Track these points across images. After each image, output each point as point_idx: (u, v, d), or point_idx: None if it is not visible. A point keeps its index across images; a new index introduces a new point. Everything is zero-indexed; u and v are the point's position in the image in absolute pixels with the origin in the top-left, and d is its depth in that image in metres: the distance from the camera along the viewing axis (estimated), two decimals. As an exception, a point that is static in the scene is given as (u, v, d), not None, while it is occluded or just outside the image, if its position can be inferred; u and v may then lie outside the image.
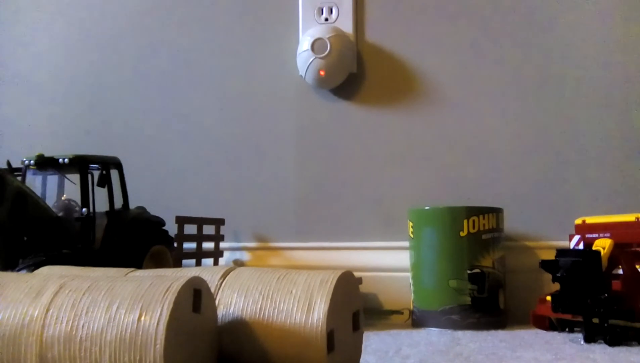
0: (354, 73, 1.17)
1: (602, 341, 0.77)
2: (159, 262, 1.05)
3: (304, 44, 1.15)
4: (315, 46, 1.14)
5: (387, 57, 1.17)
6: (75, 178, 0.97)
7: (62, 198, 0.99)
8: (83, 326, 0.43)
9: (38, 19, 1.40)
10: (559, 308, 0.81)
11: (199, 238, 1.09)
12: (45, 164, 0.95)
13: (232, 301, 0.52)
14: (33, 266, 0.82)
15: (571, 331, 0.88)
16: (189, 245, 1.09)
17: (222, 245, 1.19)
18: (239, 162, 1.23)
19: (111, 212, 0.99)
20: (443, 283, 0.95)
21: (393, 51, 1.17)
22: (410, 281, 1.01)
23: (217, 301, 0.52)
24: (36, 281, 0.48)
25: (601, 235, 0.87)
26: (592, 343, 0.78)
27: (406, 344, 0.80)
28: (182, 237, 1.04)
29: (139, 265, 0.99)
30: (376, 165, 1.16)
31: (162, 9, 1.31)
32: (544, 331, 0.90)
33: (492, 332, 0.90)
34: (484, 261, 0.95)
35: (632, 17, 1.05)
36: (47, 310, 0.45)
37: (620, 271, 0.80)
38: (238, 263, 1.21)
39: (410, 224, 1.00)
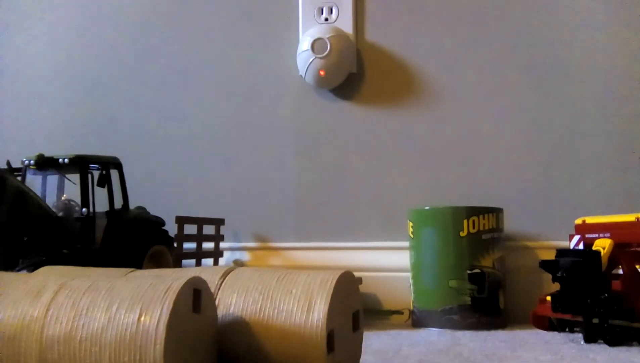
0: (354, 73, 1.17)
1: (602, 341, 0.77)
2: (159, 262, 1.05)
3: (304, 44, 1.15)
4: (315, 46, 1.14)
5: (387, 57, 1.17)
6: (75, 178, 0.97)
7: (62, 198, 0.99)
8: (83, 326, 0.43)
9: (38, 19, 1.40)
10: (559, 308, 0.81)
11: (199, 238, 1.09)
12: (45, 164, 0.95)
13: (232, 301, 0.52)
14: (33, 266, 0.82)
15: (571, 331, 0.88)
16: (189, 245, 1.09)
17: (222, 245, 1.19)
18: (239, 162, 1.24)
19: (111, 212, 0.99)
20: (443, 283, 0.95)
21: (393, 51, 1.17)
22: (410, 281, 1.01)
23: (217, 301, 0.52)
24: (36, 281, 0.48)
25: (601, 235, 0.87)
26: (592, 343, 0.78)
27: (406, 344, 0.80)
28: (182, 237, 1.04)
29: (139, 265, 0.99)
30: (376, 165, 1.16)
31: (162, 9, 1.31)
32: (544, 331, 0.90)
33: (492, 332, 0.90)
34: (484, 261, 0.95)
35: (632, 17, 1.05)
36: (47, 310, 0.45)
37: (620, 271, 0.80)
38: (238, 263, 1.21)
39: (410, 224, 1.00)
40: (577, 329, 0.88)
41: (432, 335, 0.88)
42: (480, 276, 0.95)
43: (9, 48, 1.42)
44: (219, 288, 0.53)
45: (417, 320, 0.98)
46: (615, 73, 1.06)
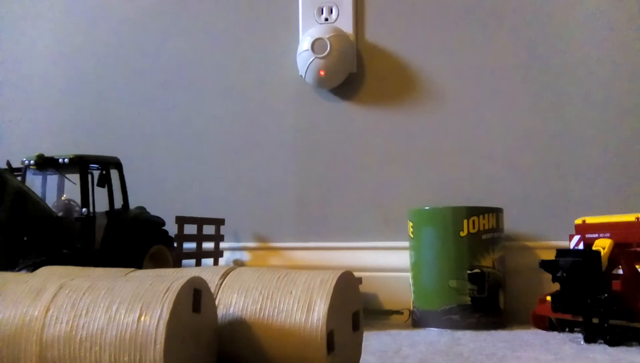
0: (354, 73, 1.17)
1: (602, 341, 0.77)
2: (159, 262, 1.05)
3: (304, 44, 1.15)
4: (315, 46, 1.14)
5: (387, 57, 1.17)
6: (75, 178, 0.97)
7: (62, 198, 0.99)
8: (83, 326, 0.43)
9: (39, 19, 1.40)
10: (559, 308, 0.81)
11: (199, 238, 1.09)
12: (45, 164, 0.95)
13: (232, 301, 0.52)
14: (33, 266, 0.82)
15: (571, 331, 0.88)
16: (189, 245, 1.09)
17: (222, 245, 1.19)
18: (239, 162, 1.24)
19: (111, 212, 0.99)
20: (443, 283, 0.95)
21: (393, 51, 1.17)
22: (410, 281, 1.01)
23: (217, 301, 0.52)
24: (36, 281, 0.48)
25: (601, 235, 0.87)
26: (592, 343, 0.78)
27: (406, 344, 0.80)
28: (182, 237, 1.04)
29: (139, 265, 0.99)
30: (376, 165, 1.16)
31: (162, 9, 1.31)
32: (544, 331, 0.90)
33: (492, 332, 0.90)
34: (484, 261, 0.95)
35: (632, 17, 1.05)
36: (47, 310, 0.45)
37: (620, 271, 0.80)
38: (238, 263, 1.21)
39: (410, 224, 1.00)
40: (577, 329, 0.88)
41: (432, 335, 0.88)
42: (480, 276, 0.95)
43: (9, 48, 1.42)
44: (219, 288, 0.53)
45: (417, 320, 0.98)
46: (615, 73, 1.06)
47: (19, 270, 0.84)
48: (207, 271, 0.56)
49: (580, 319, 0.81)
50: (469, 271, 0.95)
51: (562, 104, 1.08)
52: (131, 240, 0.99)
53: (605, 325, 0.77)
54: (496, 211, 0.98)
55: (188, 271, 0.57)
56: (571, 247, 0.92)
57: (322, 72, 1.14)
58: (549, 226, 1.06)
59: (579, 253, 0.80)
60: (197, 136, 1.26)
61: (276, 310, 0.50)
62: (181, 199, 1.25)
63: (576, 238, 0.91)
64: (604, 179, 1.05)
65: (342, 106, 1.19)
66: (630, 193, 1.03)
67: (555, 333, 0.88)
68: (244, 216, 1.22)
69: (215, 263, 1.16)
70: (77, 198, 0.96)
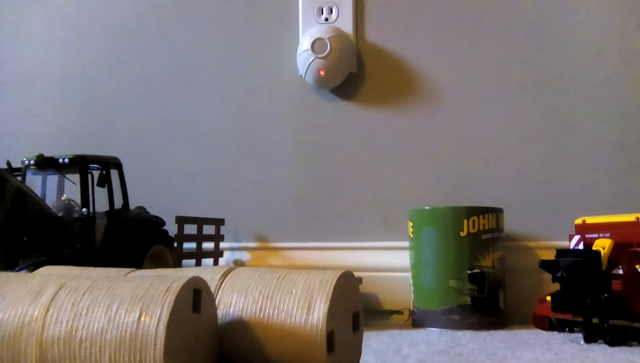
0: (354, 73, 1.17)
1: (602, 341, 0.78)
2: (159, 262, 1.05)
3: (304, 44, 1.15)
4: (315, 46, 1.14)
5: (387, 57, 1.17)
6: (75, 178, 0.97)
7: (62, 198, 0.99)
8: (83, 326, 0.43)
9: (38, 18, 1.40)
10: (559, 308, 0.81)
11: (199, 238, 1.09)
12: (45, 164, 0.95)
13: (232, 301, 0.52)
14: (33, 266, 0.82)
15: (571, 331, 0.88)
16: (189, 245, 1.09)
17: (222, 245, 1.19)
18: (239, 162, 1.24)
19: (111, 212, 0.99)
20: (443, 283, 0.95)
21: (393, 51, 1.17)
22: (410, 281, 1.01)
23: (217, 301, 0.52)
24: (36, 281, 0.48)
25: (601, 235, 0.87)
26: (592, 343, 0.78)
27: (406, 344, 0.80)
28: (182, 237, 1.04)
29: (139, 265, 0.99)
30: (376, 165, 1.16)
31: (162, 8, 1.31)
32: (544, 331, 0.90)
33: (492, 332, 0.90)
34: (484, 261, 0.95)
35: (632, 18, 1.05)
36: (47, 310, 0.45)
37: (620, 271, 0.80)
38: (238, 263, 1.21)
39: (410, 224, 1.00)
40: (577, 329, 0.88)
41: (432, 335, 0.88)
42: (480, 276, 0.95)
43: (9, 48, 1.42)
44: (219, 288, 0.53)
45: (417, 320, 0.98)
46: (615, 73, 1.06)
47: (19, 270, 0.84)
48: (207, 271, 0.56)
49: (580, 319, 0.81)
50: (469, 271, 0.95)
51: (562, 104, 1.08)
52: (131, 240, 0.99)
53: (605, 325, 0.77)
54: (496, 211, 0.98)
55: (188, 271, 0.57)
56: (571, 247, 0.92)
57: (322, 72, 1.14)
58: (549, 226, 1.06)
59: (579, 253, 0.80)
60: (197, 135, 1.26)
61: (276, 310, 0.50)
62: (181, 199, 1.25)
63: (576, 238, 0.92)
64: (604, 179, 1.05)
65: (342, 106, 1.19)
66: (630, 193, 1.03)
67: (555, 333, 0.88)
68: (244, 216, 1.22)
69: (215, 263, 1.16)
70: (77, 198, 0.96)
